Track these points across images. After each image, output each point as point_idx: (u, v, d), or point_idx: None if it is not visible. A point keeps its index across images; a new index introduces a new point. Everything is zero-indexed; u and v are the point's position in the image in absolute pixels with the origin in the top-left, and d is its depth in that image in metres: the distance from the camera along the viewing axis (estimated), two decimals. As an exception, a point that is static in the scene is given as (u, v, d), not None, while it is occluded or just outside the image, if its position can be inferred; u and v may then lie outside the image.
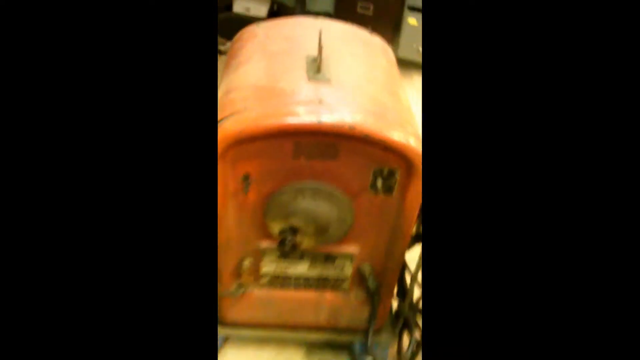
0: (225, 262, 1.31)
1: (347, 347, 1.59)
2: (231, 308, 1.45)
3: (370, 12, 2.97)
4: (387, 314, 1.47)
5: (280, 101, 1.06)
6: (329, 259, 1.31)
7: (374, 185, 1.12)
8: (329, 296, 1.40)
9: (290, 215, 1.18)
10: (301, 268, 1.34)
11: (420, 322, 1.37)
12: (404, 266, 1.41)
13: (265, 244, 1.29)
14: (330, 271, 1.34)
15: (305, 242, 1.23)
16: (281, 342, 1.59)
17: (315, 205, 1.15)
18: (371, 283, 1.33)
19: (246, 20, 2.37)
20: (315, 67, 1.13)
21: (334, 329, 1.49)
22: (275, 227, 1.21)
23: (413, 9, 2.93)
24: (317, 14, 2.66)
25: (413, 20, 2.95)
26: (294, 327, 1.50)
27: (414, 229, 1.27)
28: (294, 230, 1.20)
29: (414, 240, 1.35)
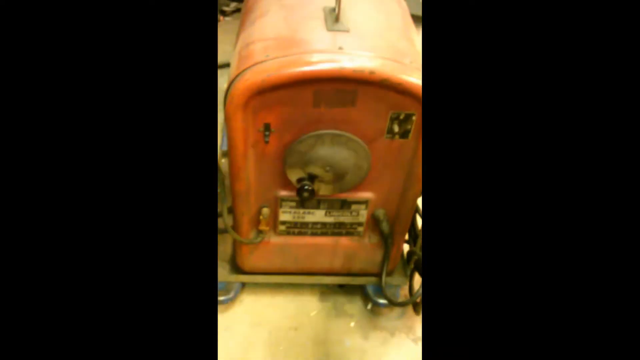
0: (245, 211, 1.36)
1: (359, 290, 1.68)
2: (249, 256, 1.51)
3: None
4: (399, 257, 1.55)
5: (300, 50, 1.10)
6: (345, 205, 1.37)
7: (390, 130, 1.17)
8: (343, 241, 1.47)
9: (309, 163, 1.23)
10: (318, 215, 1.40)
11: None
12: (415, 211, 1.48)
13: (284, 192, 1.34)
14: (346, 217, 1.41)
15: (323, 189, 1.29)
16: (296, 288, 1.67)
17: (334, 152, 1.20)
18: (385, 227, 1.40)
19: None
20: (334, 17, 1.16)
21: (348, 273, 1.57)
22: (294, 176, 1.26)
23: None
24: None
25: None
26: (309, 273, 1.58)
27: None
28: (312, 178, 1.26)
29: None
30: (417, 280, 1.50)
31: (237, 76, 1.09)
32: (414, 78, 1.06)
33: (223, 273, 1.58)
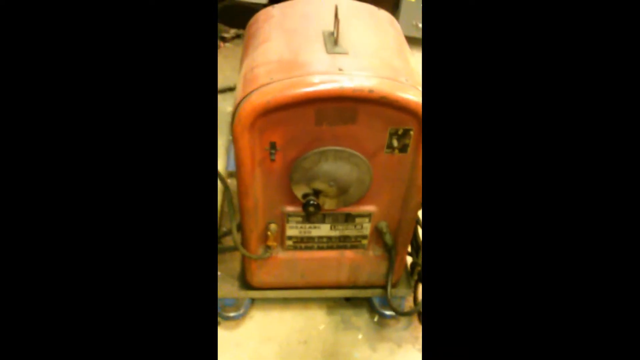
0: (254, 227, 1.42)
1: (366, 303, 1.72)
2: (257, 271, 1.56)
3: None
4: (403, 268, 1.60)
5: (302, 72, 1.17)
6: (349, 218, 1.43)
7: (390, 145, 1.24)
8: (349, 254, 1.53)
9: (313, 179, 1.29)
10: (323, 229, 1.46)
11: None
12: (416, 222, 1.53)
13: (290, 208, 1.40)
14: (350, 230, 1.46)
15: (327, 203, 1.35)
16: (304, 302, 1.72)
17: (337, 167, 1.27)
18: (388, 239, 1.45)
19: (247, 7, 2.45)
20: (333, 40, 1.24)
21: (354, 286, 1.62)
22: (300, 191, 1.32)
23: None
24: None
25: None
26: (317, 287, 1.63)
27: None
28: (317, 193, 1.32)
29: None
30: (421, 291, 1.55)
31: (243, 98, 1.16)
32: (411, 95, 1.14)
33: (233, 289, 1.63)
